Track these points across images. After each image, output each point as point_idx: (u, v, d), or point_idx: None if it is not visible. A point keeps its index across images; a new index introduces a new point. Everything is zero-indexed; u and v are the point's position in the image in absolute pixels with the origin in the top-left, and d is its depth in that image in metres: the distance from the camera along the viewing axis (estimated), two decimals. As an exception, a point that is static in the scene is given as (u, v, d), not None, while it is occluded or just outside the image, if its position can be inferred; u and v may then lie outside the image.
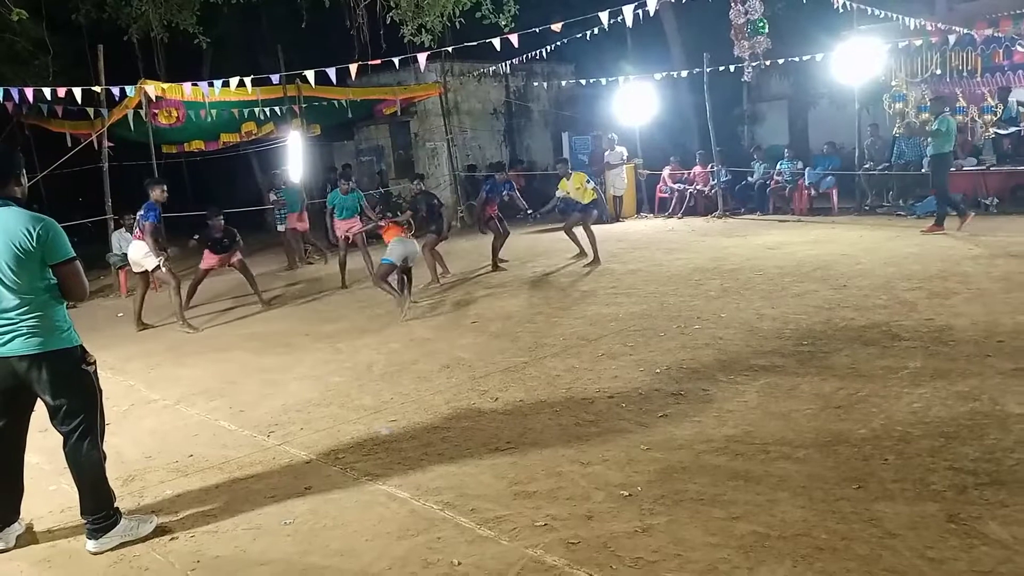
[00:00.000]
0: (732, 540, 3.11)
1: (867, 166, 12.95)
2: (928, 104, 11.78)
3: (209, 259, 9.78)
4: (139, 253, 8.59)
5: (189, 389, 6.18)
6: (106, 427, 3.80)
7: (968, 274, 7.53)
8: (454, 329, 7.36)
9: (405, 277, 8.54)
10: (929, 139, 10.62)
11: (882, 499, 3.34)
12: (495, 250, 10.55)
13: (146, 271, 8.67)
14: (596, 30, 11.63)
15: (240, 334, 8.15)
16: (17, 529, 3.71)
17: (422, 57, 11.93)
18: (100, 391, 3.69)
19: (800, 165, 13.78)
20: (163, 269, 8.46)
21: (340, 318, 8.42)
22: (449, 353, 6.49)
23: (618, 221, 14.96)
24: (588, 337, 6.54)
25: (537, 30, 11.52)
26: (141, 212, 8.50)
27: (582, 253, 10.38)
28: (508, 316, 7.67)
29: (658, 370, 5.44)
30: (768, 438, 4.10)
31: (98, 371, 3.69)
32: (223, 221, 9.69)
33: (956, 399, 4.40)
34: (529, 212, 10.83)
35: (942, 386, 4.62)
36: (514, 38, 11.33)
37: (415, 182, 10.77)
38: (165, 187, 8.72)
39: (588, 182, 10.47)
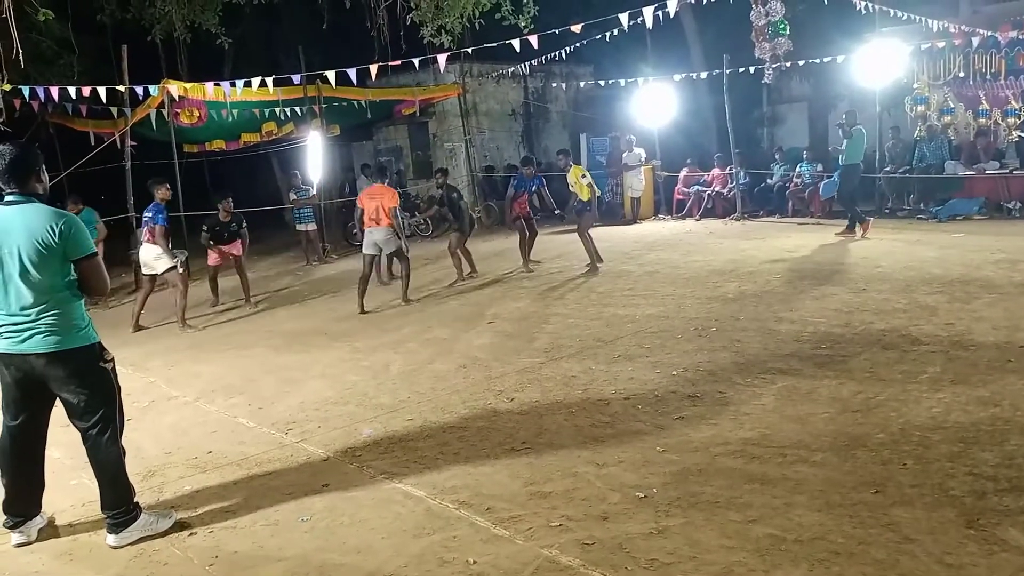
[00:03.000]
0: (748, 543, 3.10)
1: (888, 169, 12.84)
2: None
3: (213, 255, 9.94)
4: (150, 255, 8.61)
5: (208, 386, 6.24)
6: (126, 423, 3.85)
7: (990, 278, 7.45)
8: (471, 329, 7.38)
9: (398, 266, 8.91)
10: (843, 149, 10.89)
11: (900, 504, 3.32)
12: (523, 251, 10.33)
13: (155, 274, 8.69)
14: (616, 31, 11.63)
15: (259, 332, 8.22)
16: (39, 523, 3.76)
17: (442, 58, 11.97)
18: (118, 388, 3.73)
19: (820, 168, 13.68)
20: (179, 270, 8.58)
21: (356, 317, 8.46)
22: (466, 353, 6.51)
23: (635, 223, 14.93)
24: (604, 339, 6.54)
25: (557, 31, 11.53)
26: (149, 214, 8.52)
27: (595, 261, 9.89)
28: (525, 317, 7.68)
29: (674, 372, 5.43)
30: (785, 441, 4.08)
31: (117, 368, 3.73)
32: (232, 204, 9.86)
33: (976, 404, 4.36)
34: (556, 212, 10.71)
35: (962, 391, 4.58)
36: (533, 39, 11.35)
37: (437, 175, 10.73)
38: (168, 185, 8.79)
39: (584, 177, 10.00)
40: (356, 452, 4.48)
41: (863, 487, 3.50)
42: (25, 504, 3.72)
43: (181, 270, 8.60)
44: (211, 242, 9.92)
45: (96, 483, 3.69)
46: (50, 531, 3.79)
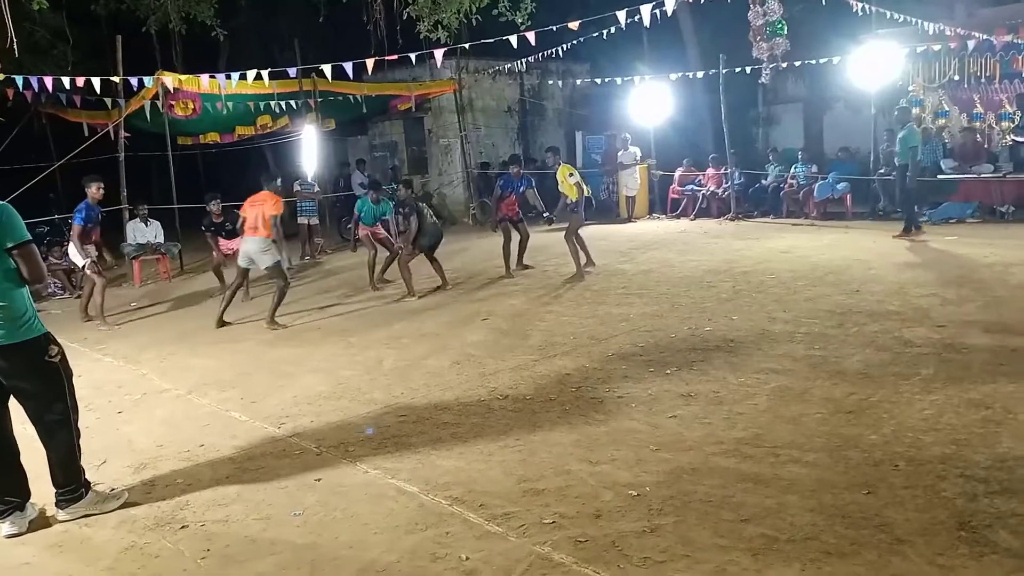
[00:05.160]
0: (741, 542, 3.11)
1: (882, 171, 12.87)
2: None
3: (219, 248, 9.98)
4: (71, 251, 8.82)
5: (201, 379, 6.22)
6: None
7: (983, 281, 7.48)
8: (465, 326, 7.37)
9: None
10: (897, 148, 10.64)
11: (892, 505, 3.33)
12: (506, 255, 9.80)
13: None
14: (613, 29, 11.62)
15: (253, 326, 8.18)
16: (31, 513, 3.76)
17: (438, 53, 11.94)
18: (68, 375, 3.77)
19: (814, 169, 13.72)
20: (88, 272, 8.58)
21: (350, 312, 8.44)
22: (460, 349, 6.50)
23: (631, 221, 14.94)
24: (599, 337, 6.54)
25: (554, 28, 11.50)
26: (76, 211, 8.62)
27: (581, 268, 9.33)
28: (519, 314, 7.67)
29: (668, 371, 5.44)
30: (778, 441, 4.09)
31: (66, 357, 3.78)
32: (220, 206, 9.84)
33: (968, 406, 4.38)
34: (545, 215, 10.03)
35: (954, 393, 4.59)
36: (530, 36, 11.33)
37: (399, 188, 9.67)
38: (102, 185, 8.73)
39: (571, 176, 9.41)
40: (349, 447, 4.48)
41: (855, 488, 3.51)
42: (9, 490, 3.71)
43: (89, 272, 8.57)
44: (215, 239, 10.00)
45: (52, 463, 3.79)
46: (41, 522, 3.78)
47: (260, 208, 7.93)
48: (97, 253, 8.91)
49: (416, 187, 16.96)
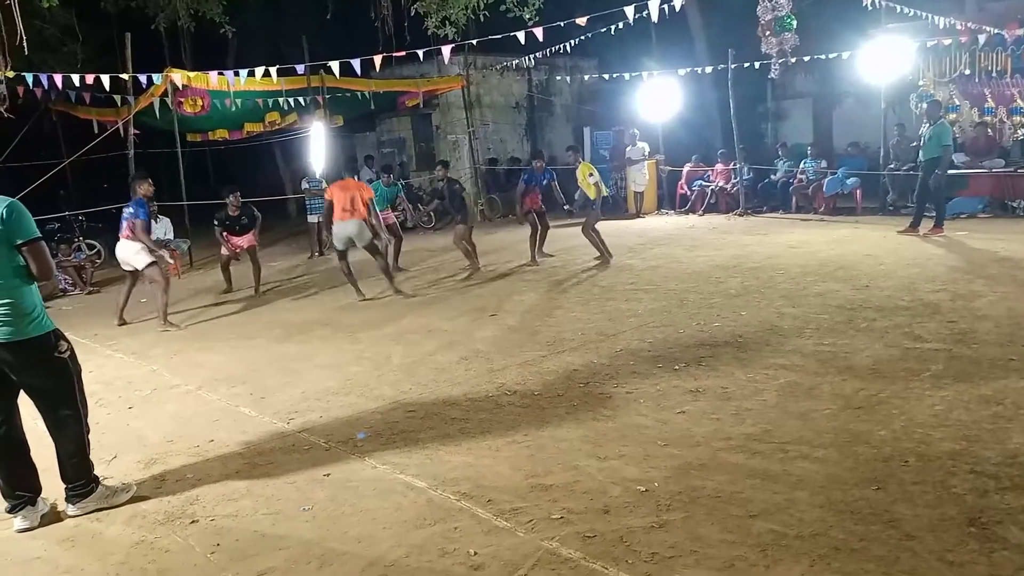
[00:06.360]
0: (749, 538, 3.10)
1: (892, 166, 12.82)
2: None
3: (228, 244, 9.99)
4: (129, 252, 8.15)
5: (211, 375, 6.24)
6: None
7: (994, 277, 7.44)
8: (473, 321, 7.37)
9: (377, 261, 8.77)
10: (925, 143, 10.44)
11: (901, 501, 3.32)
12: (532, 244, 10.31)
13: (135, 269, 8.22)
14: (621, 25, 11.59)
15: (262, 322, 8.22)
16: (42, 508, 3.79)
17: (446, 50, 11.94)
18: (77, 372, 3.80)
19: (824, 164, 13.66)
20: (161, 266, 8.23)
21: (359, 308, 8.46)
22: (468, 345, 6.50)
23: (639, 217, 14.92)
24: (607, 332, 6.53)
25: (561, 24, 11.49)
26: (130, 209, 8.08)
27: (604, 254, 10.00)
28: (527, 310, 7.67)
29: (677, 367, 5.43)
30: (787, 437, 4.08)
31: (75, 353, 3.80)
32: (239, 199, 9.86)
33: (978, 402, 4.36)
34: (565, 207, 10.63)
35: (964, 389, 4.57)
36: (538, 32, 11.31)
37: (437, 168, 10.60)
38: (151, 181, 8.48)
39: (591, 176, 10.03)
40: (357, 442, 4.49)
41: (864, 484, 3.50)
42: (20, 484, 3.74)
43: (164, 266, 8.28)
44: (224, 234, 9.99)
45: (66, 458, 3.80)
46: (52, 517, 3.81)
47: (355, 192, 8.43)
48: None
49: (425, 183, 17.02)
